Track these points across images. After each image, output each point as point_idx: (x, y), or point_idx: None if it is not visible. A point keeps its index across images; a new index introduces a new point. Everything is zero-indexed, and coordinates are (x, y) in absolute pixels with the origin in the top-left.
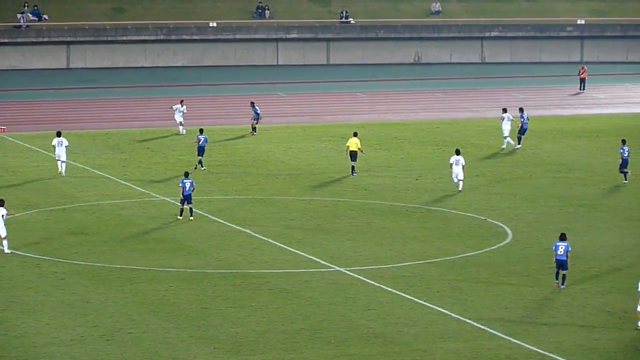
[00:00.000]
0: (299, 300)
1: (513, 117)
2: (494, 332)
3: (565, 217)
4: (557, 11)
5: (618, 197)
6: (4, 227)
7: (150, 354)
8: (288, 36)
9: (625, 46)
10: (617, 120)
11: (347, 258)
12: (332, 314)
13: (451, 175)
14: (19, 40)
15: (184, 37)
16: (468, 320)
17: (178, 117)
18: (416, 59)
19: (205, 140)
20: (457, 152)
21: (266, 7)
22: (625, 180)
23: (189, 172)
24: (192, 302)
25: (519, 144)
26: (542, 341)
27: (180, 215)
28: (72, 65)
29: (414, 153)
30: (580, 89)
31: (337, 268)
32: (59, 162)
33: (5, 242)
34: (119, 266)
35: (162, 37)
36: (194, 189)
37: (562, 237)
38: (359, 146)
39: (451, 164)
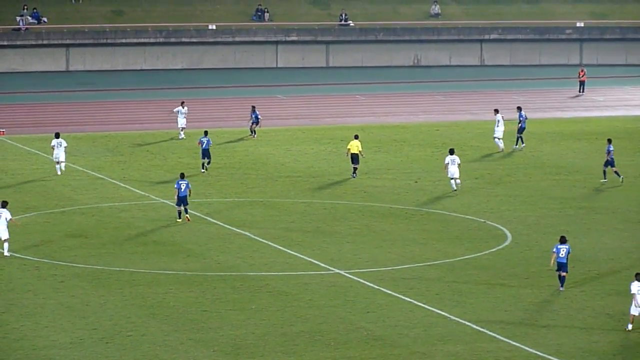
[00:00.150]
0: (298, 303)
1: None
2: (494, 334)
3: (565, 219)
4: (557, 14)
5: (617, 199)
6: (7, 229)
7: (150, 357)
8: (287, 39)
9: (625, 49)
10: (617, 122)
11: (346, 260)
12: (331, 317)
13: (447, 176)
14: (19, 42)
15: (183, 39)
16: (467, 323)
17: (181, 121)
18: (415, 61)
19: (209, 143)
20: (452, 152)
21: (265, 10)
22: (605, 179)
23: (202, 172)
24: (191, 305)
25: (522, 143)
26: (542, 344)
27: (180, 218)
28: (71, 68)
29: (413, 155)
30: (580, 92)
31: (337, 270)
32: (57, 165)
33: (6, 245)
34: (118, 269)
35: (161, 39)
36: (190, 190)
37: (563, 240)
38: (360, 149)
39: (446, 164)
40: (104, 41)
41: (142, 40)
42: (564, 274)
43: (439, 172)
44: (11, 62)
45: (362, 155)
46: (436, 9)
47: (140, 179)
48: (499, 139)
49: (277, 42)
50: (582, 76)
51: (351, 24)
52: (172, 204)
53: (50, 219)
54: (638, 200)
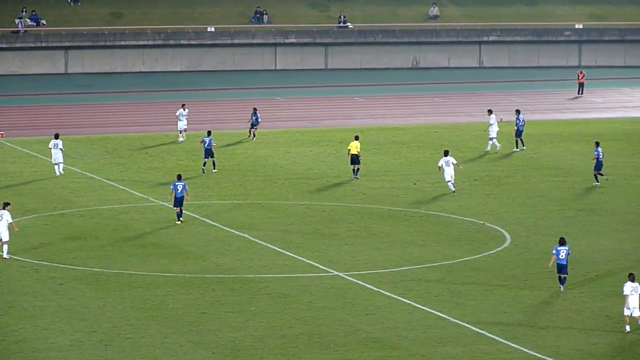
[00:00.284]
0: (297, 305)
1: (503, 119)
2: (493, 336)
3: (564, 221)
4: (555, 15)
5: (616, 201)
6: (7, 231)
7: (149, 359)
8: (286, 41)
9: (623, 50)
10: (615, 124)
11: (345, 262)
12: (330, 319)
13: (444, 179)
14: (17, 45)
15: (182, 42)
16: (467, 325)
17: (181, 124)
18: (414, 63)
19: (211, 142)
20: (446, 154)
21: (264, 12)
22: (597, 182)
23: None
24: (190, 307)
25: (523, 146)
26: (541, 345)
27: (178, 220)
28: (70, 70)
29: (412, 157)
30: (579, 94)
31: (336, 273)
32: (55, 167)
33: (5, 247)
34: (117, 271)
35: (160, 42)
36: (187, 192)
37: (562, 242)
38: (359, 150)
39: (440, 167)
40: (103, 43)
41: (141, 42)
42: (564, 275)
43: (437, 174)
44: (10, 65)
45: (359, 156)
46: (435, 10)
47: (139, 181)
48: (493, 138)
49: (275, 44)
50: (581, 78)
51: (350, 26)
52: (170, 206)
53: (49, 222)
54: (637, 202)
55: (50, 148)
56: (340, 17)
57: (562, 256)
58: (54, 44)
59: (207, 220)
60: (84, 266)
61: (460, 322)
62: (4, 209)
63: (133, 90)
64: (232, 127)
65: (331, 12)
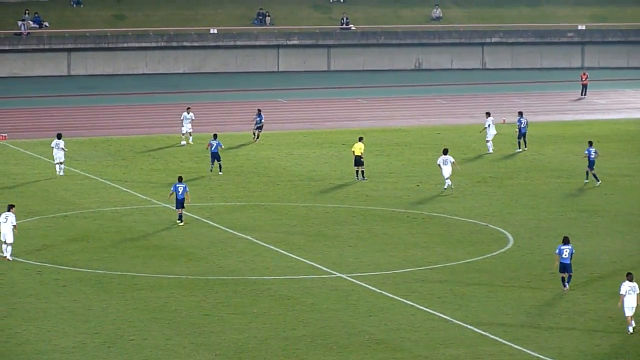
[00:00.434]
0: (300, 307)
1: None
2: (496, 337)
3: (567, 222)
4: (558, 17)
5: (619, 202)
6: (11, 233)
7: None
8: (289, 42)
9: (626, 51)
10: (618, 125)
11: (348, 264)
12: (333, 321)
13: (442, 177)
14: (20, 47)
15: (185, 44)
16: (469, 326)
17: (186, 127)
18: (417, 65)
19: (219, 145)
20: (445, 152)
21: (267, 14)
22: (587, 179)
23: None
24: (193, 309)
25: (525, 147)
26: (544, 347)
27: (179, 220)
28: (73, 72)
29: (414, 159)
30: (582, 95)
31: (339, 274)
32: (57, 166)
33: (9, 249)
34: (120, 273)
35: (162, 44)
36: (187, 193)
37: (566, 241)
38: (362, 151)
39: (439, 165)
40: (106, 45)
41: (144, 44)
42: (567, 274)
43: (440, 176)
44: (13, 67)
45: (362, 158)
46: (437, 12)
47: (142, 183)
48: (489, 141)
49: (278, 46)
50: (585, 80)
51: (352, 28)
52: (173, 208)
53: (52, 224)
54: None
55: (53, 147)
56: (342, 19)
57: (565, 255)
58: (57, 46)
59: (210, 222)
60: (87, 268)
61: (463, 324)
62: (8, 211)
63: (136, 92)
64: (234, 129)
65: (334, 14)
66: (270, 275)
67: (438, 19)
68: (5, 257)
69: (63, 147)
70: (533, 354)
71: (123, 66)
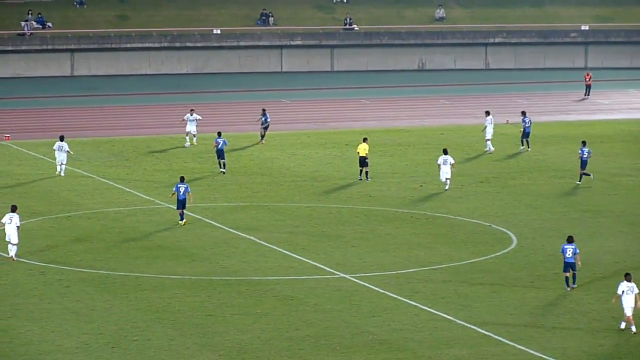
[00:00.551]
0: (303, 307)
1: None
2: (499, 338)
3: (570, 223)
4: (561, 17)
5: (622, 202)
6: (16, 233)
7: None
8: (292, 43)
9: (630, 52)
10: (622, 125)
11: (351, 265)
12: (337, 321)
13: (439, 176)
14: (23, 47)
15: (188, 44)
16: (473, 327)
17: (190, 128)
18: (420, 65)
19: (225, 143)
20: (445, 152)
21: (270, 14)
22: (579, 181)
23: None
24: (196, 309)
25: (528, 147)
26: (547, 347)
27: (181, 220)
28: (76, 73)
29: (418, 159)
30: (585, 95)
31: (342, 275)
32: (58, 166)
33: (15, 248)
34: (123, 273)
35: (166, 44)
36: (189, 194)
37: (570, 240)
38: (367, 152)
39: (439, 165)
40: (109, 46)
41: (147, 45)
42: (572, 273)
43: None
44: (16, 67)
45: (367, 158)
46: (441, 12)
47: (145, 183)
48: (489, 140)
49: (281, 47)
50: (588, 80)
51: (356, 28)
52: (175, 207)
53: (55, 224)
54: None
55: (55, 150)
56: (346, 19)
57: (568, 254)
58: (60, 47)
59: (213, 223)
60: (90, 268)
61: (466, 324)
62: (13, 212)
63: (139, 93)
64: (238, 130)
65: (337, 14)
66: (274, 276)
67: (441, 19)
68: (11, 257)
69: (68, 149)
70: (536, 354)
71: (126, 67)
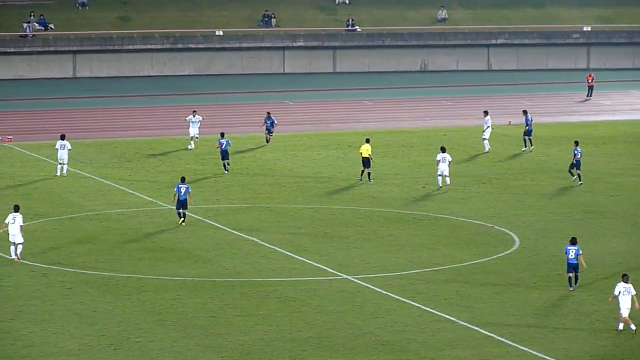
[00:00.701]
0: (306, 309)
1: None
2: (502, 339)
3: (572, 224)
4: (564, 18)
5: (625, 203)
6: (20, 233)
7: None
8: (294, 44)
9: (632, 53)
10: (624, 126)
11: (354, 266)
12: (339, 322)
13: (437, 173)
14: (26, 49)
15: (190, 45)
16: (476, 328)
17: (193, 130)
18: (422, 66)
19: (228, 144)
20: (443, 150)
21: (272, 15)
22: (574, 178)
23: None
24: (199, 311)
25: (531, 145)
26: (550, 348)
27: (181, 219)
28: (78, 75)
29: (420, 161)
30: (588, 96)
31: (345, 276)
32: (59, 166)
33: (20, 248)
34: (126, 275)
35: (168, 46)
36: (190, 194)
37: (573, 241)
38: (370, 153)
39: (438, 161)
40: (111, 47)
41: (149, 46)
42: (576, 273)
43: (436, 171)
44: (18, 69)
45: (371, 159)
46: (443, 14)
47: (148, 185)
48: (485, 139)
49: (284, 48)
50: (590, 81)
51: (358, 29)
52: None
53: (58, 226)
54: None
55: (57, 149)
56: (348, 21)
57: (571, 256)
58: (62, 48)
59: (216, 224)
60: (93, 270)
61: (469, 325)
62: (16, 211)
63: (141, 95)
64: (240, 131)
65: (339, 16)
66: (276, 277)
67: (443, 20)
68: (15, 257)
69: (69, 147)
70: (539, 355)
71: (128, 68)
